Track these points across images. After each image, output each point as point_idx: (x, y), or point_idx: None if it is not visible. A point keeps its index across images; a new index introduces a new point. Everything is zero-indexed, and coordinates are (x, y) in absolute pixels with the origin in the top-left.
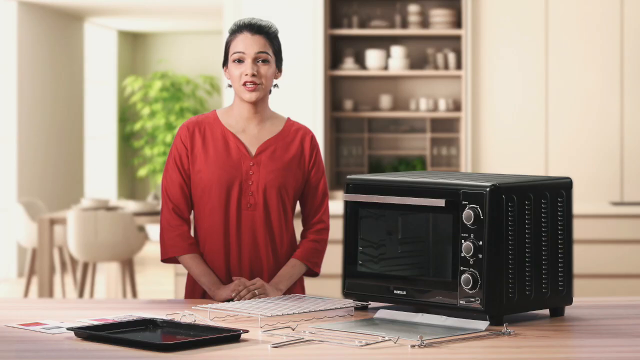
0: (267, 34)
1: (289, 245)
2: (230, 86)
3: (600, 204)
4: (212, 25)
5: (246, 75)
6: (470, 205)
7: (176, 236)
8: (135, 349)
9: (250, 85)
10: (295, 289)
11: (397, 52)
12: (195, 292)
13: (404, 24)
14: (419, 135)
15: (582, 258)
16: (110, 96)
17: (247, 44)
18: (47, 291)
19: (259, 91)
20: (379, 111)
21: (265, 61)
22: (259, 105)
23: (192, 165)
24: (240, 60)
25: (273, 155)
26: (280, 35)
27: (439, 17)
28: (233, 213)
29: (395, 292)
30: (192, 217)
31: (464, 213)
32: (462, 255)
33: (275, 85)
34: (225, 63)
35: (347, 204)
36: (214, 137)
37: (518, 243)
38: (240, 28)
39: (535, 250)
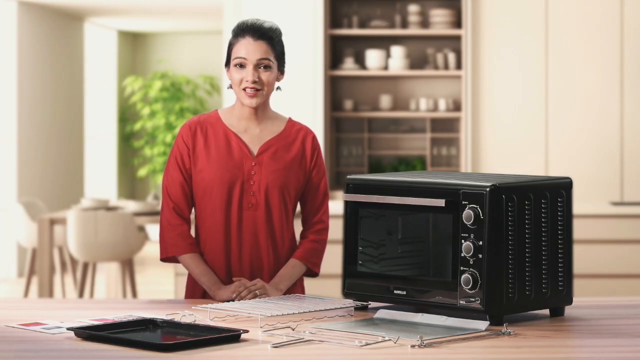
0: (269, 38)
1: (290, 245)
2: (230, 87)
3: (600, 204)
4: (212, 25)
5: (247, 81)
6: (470, 205)
7: (176, 235)
8: (135, 349)
9: (250, 91)
10: (296, 289)
11: (397, 52)
12: (195, 292)
13: (404, 24)
14: (419, 135)
15: (582, 258)
16: (110, 96)
17: (249, 50)
18: (47, 291)
19: (259, 97)
20: (379, 111)
21: (266, 67)
22: (260, 107)
23: (194, 164)
24: (241, 65)
25: (275, 155)
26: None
27: (439, 17)
28: (234, 213)
29: (395, 292)
30: (192, 216)
31: (464, 213)
32: (462, 255)
33: (278, 88)
34: (227, 64)
35: (347, 204)
36: (216, 137)
37: (518, 243)
38: (243, 32)
39: (535, 250)
